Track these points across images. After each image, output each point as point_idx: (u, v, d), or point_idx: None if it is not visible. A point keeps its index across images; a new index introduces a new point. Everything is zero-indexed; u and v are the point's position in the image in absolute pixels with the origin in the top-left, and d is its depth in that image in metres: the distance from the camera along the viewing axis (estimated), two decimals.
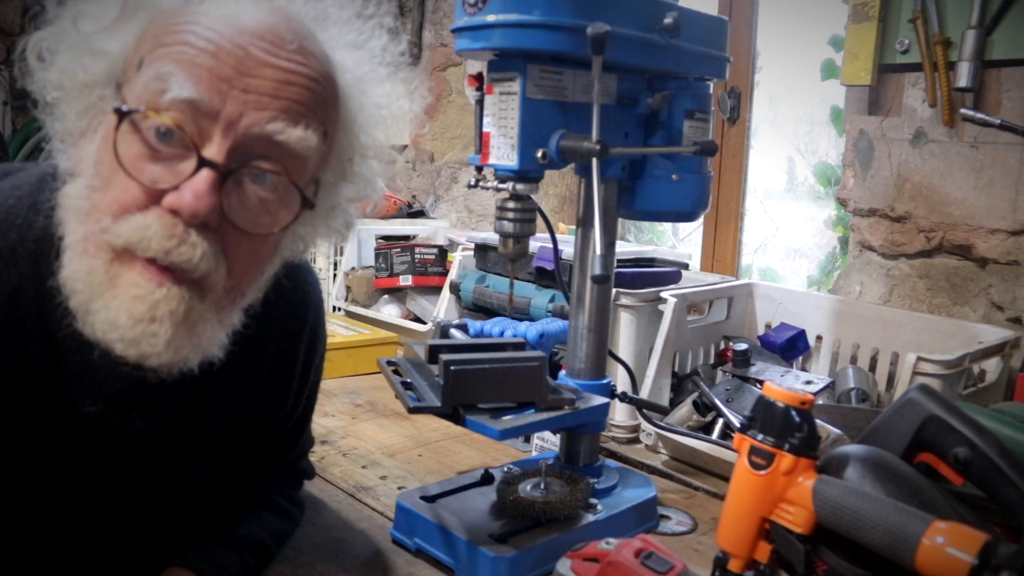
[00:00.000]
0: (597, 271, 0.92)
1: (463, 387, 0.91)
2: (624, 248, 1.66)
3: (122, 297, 0.64)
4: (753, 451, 0.82)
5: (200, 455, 0.84)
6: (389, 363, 1.05)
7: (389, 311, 2.12)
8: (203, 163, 0.64)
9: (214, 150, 0.65)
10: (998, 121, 1.43)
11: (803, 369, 1.52)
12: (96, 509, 0.79)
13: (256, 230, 0.69)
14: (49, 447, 0.74)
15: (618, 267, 1.36)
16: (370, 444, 1.37)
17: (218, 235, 0.66)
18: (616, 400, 1.14)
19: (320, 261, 2.25)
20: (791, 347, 1.49)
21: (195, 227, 0.64)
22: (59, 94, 0.69)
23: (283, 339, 0.89)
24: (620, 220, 1.35)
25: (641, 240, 2.34)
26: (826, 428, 1.14)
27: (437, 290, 2.00)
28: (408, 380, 0.98)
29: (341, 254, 2.26)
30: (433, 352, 0.98)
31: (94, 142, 0.68)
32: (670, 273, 1.58)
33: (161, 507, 0.83)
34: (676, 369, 1.46)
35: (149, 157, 0.65)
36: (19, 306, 0.69)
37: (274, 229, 0.70)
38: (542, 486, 1.02)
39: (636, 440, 1.39)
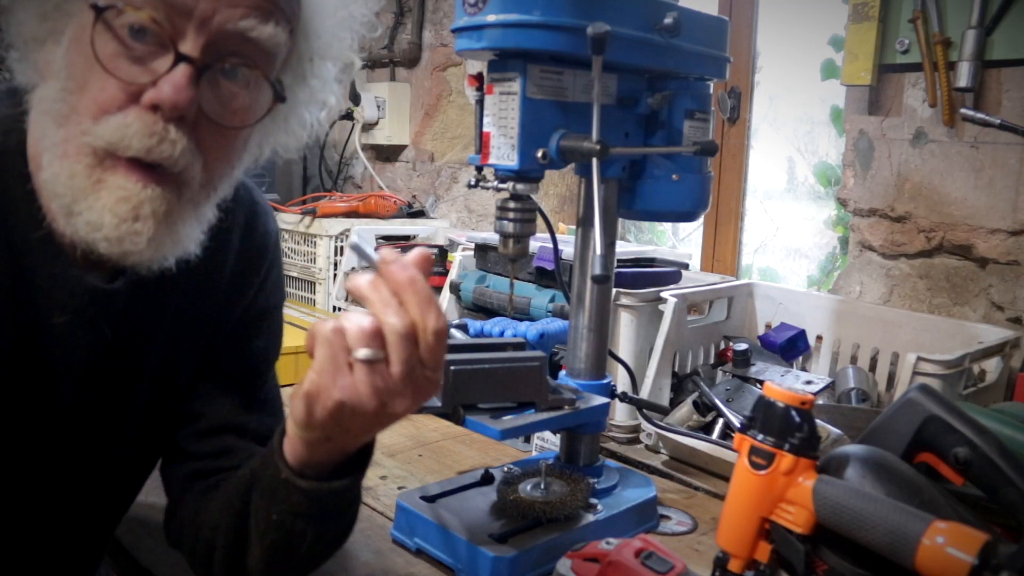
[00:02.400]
0: (597, 271, 0.92)
1: (463, 387, 0.91)
2: (624, 248, 1.66)
3: (106, 199, 0.66)
4: (753, 451, 0.82)
5: (165, 373, 0.84)
6: None
7: None
8: (180, 58, 0.65)
9: (189, 46, 0.66)
10: (998, 121, 1.43)
11: (803, 369, 1.52)
12: (65, 433, 0.78)
13: (231, 123, 0.71)
14: (19, 362, 0.73)
15: (618, 267, 1.36)
16: None
17: (194, 131, 0.68)
18: (616, 400, 1.14)
19: (320, 261, 2.26)
20: (791, 347, 1.49)
21: (173, 123, 0.66)
22: None
23: (243, 259, 0.89)
24: (620, 220, 1.35)
25: (641, 240, 2.34)
26: (826, 428, 1.14)
27: (437, 290, 2.00)
28: None
29: (341, 254, 2.26)
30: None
31: (60, 44, 0.68)
32: (670, 273, 1.58)
33: (128, 432, 0.83)
34: (676, 369, 1.46)
35: (124, 56, 0.66)
36: None
37: (248, 122, 0.72)
38: (542, 486, 1.02)
39: (636, 440, 1.39)
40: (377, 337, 0.60)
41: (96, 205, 0.66)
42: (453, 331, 1.11)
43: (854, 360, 1.47)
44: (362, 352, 0.60)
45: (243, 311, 0.90)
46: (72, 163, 0.66)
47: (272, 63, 0.72)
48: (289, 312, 2.05)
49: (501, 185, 0.97)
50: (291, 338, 1.72)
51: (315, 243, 2.29)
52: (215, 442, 0.86)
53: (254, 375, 0.93)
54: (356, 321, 0.61)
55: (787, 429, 0.81)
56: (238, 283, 0.89)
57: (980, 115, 1.45)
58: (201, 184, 0.71)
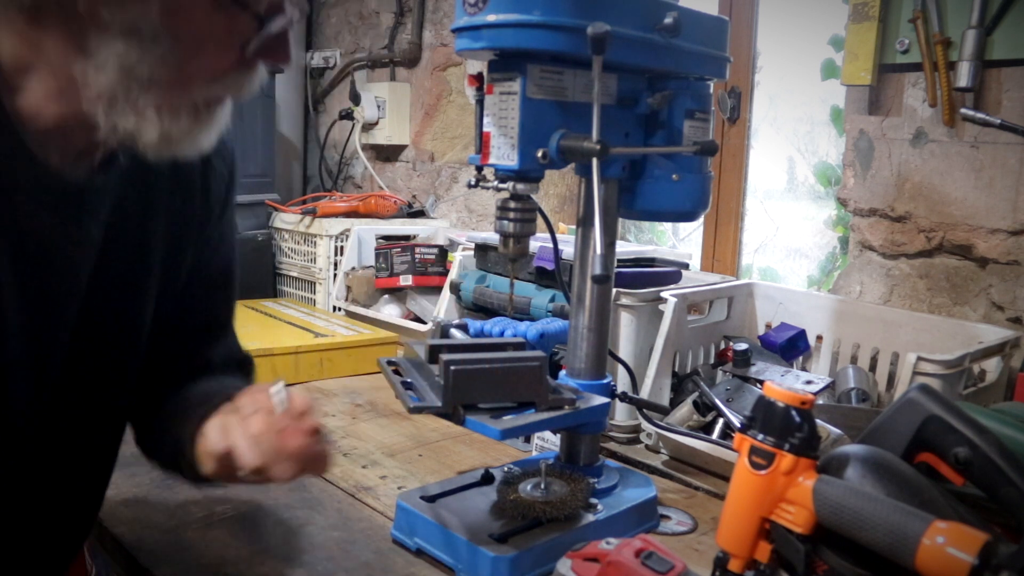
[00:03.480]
0: (597, 271, 0.92)
1: (463, 387, 0.91)
2: (624, 248, 1.66)
3: (183, 125, 0.74)
4: (753, 451, 0.82)
5: (143, 279, 0.88)
6: (389, 363, 1.05)
7: (389, 311, 2.12)
8: (289, 22, 0.75)
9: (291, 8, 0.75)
10: (998, 121, 1.43)
11: (803, 369, 1.52)
12: (59, 347, 0.81)
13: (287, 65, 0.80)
14: (19, 276, 0.75)
15: (618, 267, 1.36)
16: (370, 444, 1.37)
17: None
18: (616, 400, 1.15)
19: (320, 261, 2.26)
20: (791, 347, 1.49)
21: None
22: None
23: (211, 175, 0.94)
24: (620, 220, 1.35)
25: (641, 240, 2.34)
26: (826, 428, 1.14)
27: (437, 290, 2.00)
28: (408, 380, 0.98)
29: (341, 254, 2.26)
30: (433, 352, 0.98)
31: (149, 8, 0.70)
32: (670, 273, 1.58)
33: (114, 350, 0.87)
34: (676, 369, 1.46)
35: (235, 17, 0.73)
36: None
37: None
38: (542, 486, 1.02)
39: (636, 440, 1.39)
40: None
41: (174, 130, 0.74)
42: (453, 331, 1.11)
43: (854, 360, 1.47)
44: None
45: (219, 213, 0.96)
46: (184, 114, 0.74)
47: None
48: (289, 312, 2.05)
49: (501, 185, 0.97)
50: (291, 338, 1.73)
51: (315, 243, 2.29)
52: (187, 347, 0.97)
53: (228, 282, 1.01)
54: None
55: (787, 429, 0.81)
56: (216, 189, 0.95)
57: (980, 115, 1.45)
58: None
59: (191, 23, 0.71)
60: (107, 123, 0.72)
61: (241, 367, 1.03)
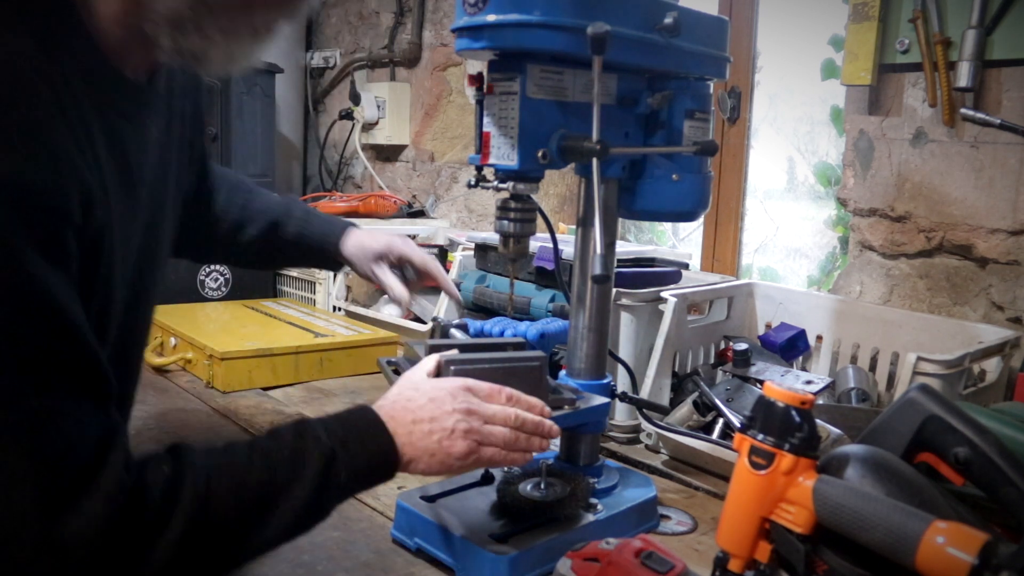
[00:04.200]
0: (597, 271, 0.92)
1: None
2: (624, 248, 1.66)
3: (244, 47, 0.79)
4: (753, 451, 0.82)
5: (175, 164, 0.95)
6: (389, 363, 1.05)
7: (389, 311, 2.12)
8: None
9: None
10: (998, 121, 1.44)
11: (803, 369, 1.52)
12: (140, 222, 0.86)
13: None
14: (109, 159, 0.77)
15: (618, 267, 1.37)
16: None
17: None
18: (616, 400, 1.14)
19: None
20: (791, 347, 1.49)
21: None
22: None
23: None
24: (620, 220, 1.35)
25: (641, 240, 2.34)
26: (826, 428, 1.14)
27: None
28: None
29: None
30: (434, 352, 0.98)
31: None
32: (670, 273, 1.58)
33: (165, 223, 0.95)
34: (676, 369, 1.46)
35: None
36: (52, 39, 0.70)
37: None
38: (542, 486, 1.02)
39: (636, 440, 1.39)
40: None
41: (236, 52, 0.78)
42: (453, 331, 1.11)
43: (854, 360, 1.47)
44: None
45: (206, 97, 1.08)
46: (231, 38, 0.76)
47: None
48: (289, 312, 2.05)
49: (501, 185, 0.97)
50: (291, 338, 1.73)
51: None
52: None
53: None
54: None
55: (787, 429, 0.81)
56: (200, 85, 1.03)
57: (980, 115, 1.45)
58: None
59: None
60: (171, 44, 0.75)
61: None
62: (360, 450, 0.79)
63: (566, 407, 0.99)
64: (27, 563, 0.60)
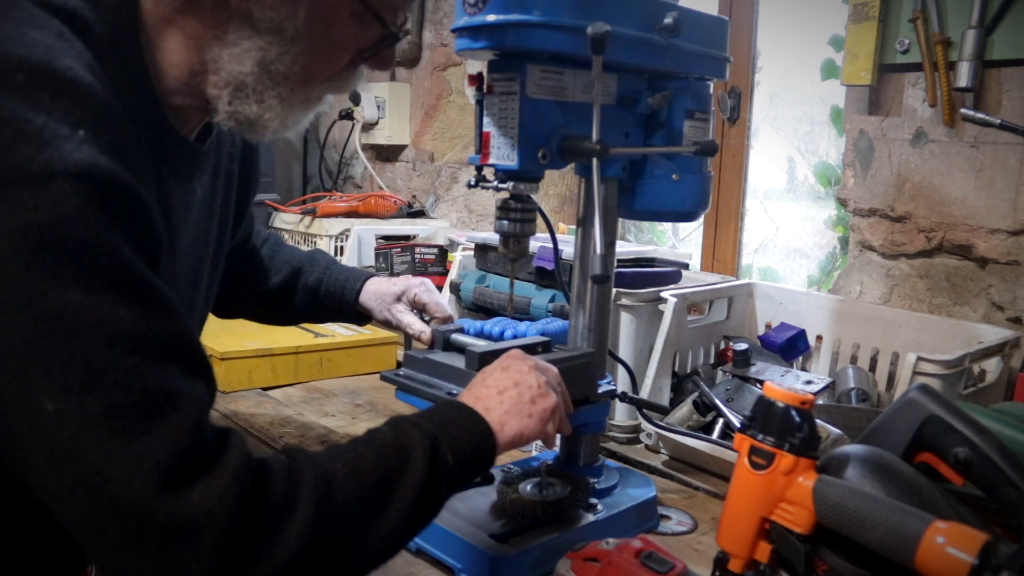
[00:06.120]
0: (597, 271, 0.92)
1: None
2: (624, 248, 1.66)
3: (298, 116, 0.83)
4: (753, 451, 0.82)
5: (216, 224, 1.00)
6: (395, 379, 1.03)
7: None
8: (395, 37, 0.83)
9: (399, 24, 0.83)
10: (998, 121, 1.43)
11: (803, 369, 1.52)
12: (177, 280, 0.90)
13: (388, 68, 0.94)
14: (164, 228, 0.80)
15: (618, 267, 1.37)
16: None
17: None
18: (616, 400, 1.14)
19: None
20: (791, 347, 1.49)
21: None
22: None
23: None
24: (620, 220, 1.35)
25: (641, 240, 2.34)
26: (826, 428, 1.14)
27: (437, 290, 2.00)
28: (453, 392, 0.96)
29: (341, 254, 2.26)
30: (483, 361, 0.96)
31: (298, 11, 0.76)
32: (670, 273, 1.58)
33: (202, 281, 0.98)
34: (676, 369, 1.46)
35: (358, 34, 0.80)
36: (119, 89, 0.71)
37: None
38: (542, 486, 1.02)
39: (636, 440, 1.39)
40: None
41: (289, 120, 0.82)
42: (457, 336, 1.09)
43: (854, 360, 1.47)
44: None
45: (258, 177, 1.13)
46: (297, 107, 0.81)
47: None
48: None
49: (501, 185, 0.97)
50: (291, 338, 1.73)
51: (315, 243, 2.28)
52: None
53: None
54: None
55: (787, 429, 0.81)
56: (251, 147, 1.07)
57: (980, 115, 1.45)
58: None
59: (330, 29, 0.78)
60: (228, 108, 0.78)
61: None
62: (459, 433, 0.78)
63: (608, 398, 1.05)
64: (159, 544, 0.58)
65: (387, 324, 1.25)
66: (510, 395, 0.84)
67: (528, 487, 1.02)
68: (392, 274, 2.11)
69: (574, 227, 1.22)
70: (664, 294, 1.42)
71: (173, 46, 0.77)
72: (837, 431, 1.15)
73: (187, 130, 0.84)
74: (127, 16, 0.74)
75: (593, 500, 1.04)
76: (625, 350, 1.41)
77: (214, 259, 1.02)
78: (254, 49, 0.76)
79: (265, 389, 1.62)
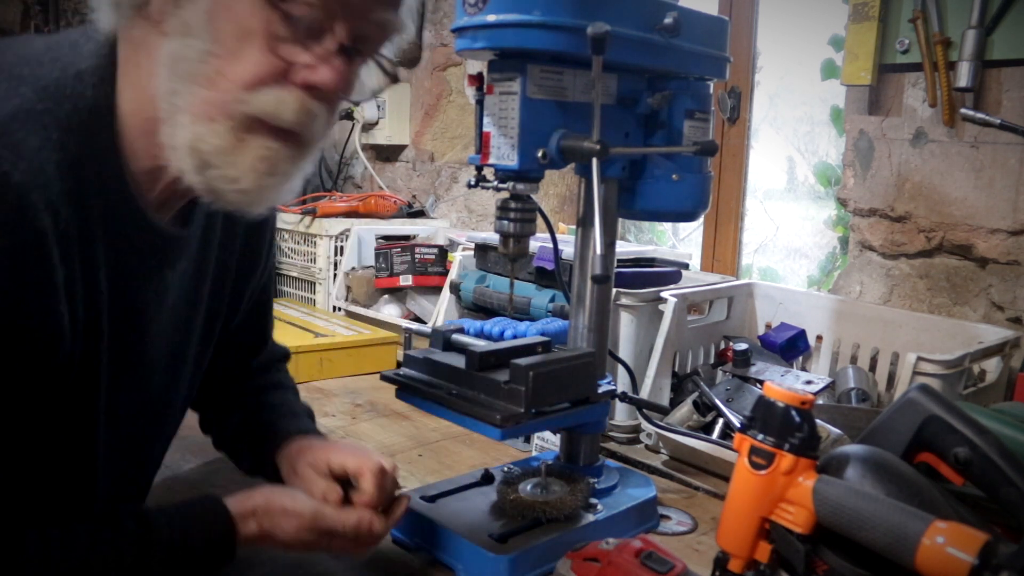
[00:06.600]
0: (597, 271, 0.92)
1: (540, 391, 0.91)
2: (624, 248, 1.66)
3: (249, 157, 0.73)
4: (753, 451, 0.82)
5: (195, 314, 0.93)
6: (395, 379, 1.03)
7: (389, 311, 2.12)
8: (340, 48, 0.73)
9: (343, 34, 0.73)
10: (998, 121, 1.43)
11: (803, 369, 1.52)
12: (156, 372, 0.87)
13: (357, 99, 0.80)
14: (113, 302, 0.78)
15: (618, 267, 1.36)
16: (370, 444, 1.37)
17: (329, 104, 0.76)
18: (616, 400, 1.14)
19: (320, 261, 2.26)
20: (791, 347, 1.49)
21: (322, 101, 0.74)
22: None
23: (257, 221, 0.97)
24: (620, 220, 1.35)
25: (641, 240, 2.34)
26: (826, 428, 1.14)
27: (437, 290, 2.00)
28: (453, 392, 0.97)
29: (341, 254, 2.26)
30: (482, 361, 0.97)
31: (199, 4, 0.71)
32: (670, 273, 1.58)
33: (173, 370, 0.92)
34: (676, 369, 1.46)
35: (281, 35, 0.71)
36: (82, 173, 0.71)
37: (366, 97, 0.82)
38: (542, 486, 1.02)
39: (636, 440, 1.39)
40: None
41: (238, 162, 0.73)
42: (458, 336, 1.10)
43: (854, 360, 1.47)
44: None
45: (266, 247, 1.04)
46: (219, 125, 0.72)
47: (387, 48, 0.81)
48: (289, 312, 2.05)
49: (501, 185, 0.97)
50: (291, 338, 1.73)
51: (315, 243, 2.28)
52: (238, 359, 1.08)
53: (267, 308, 1.12)
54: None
55: (787, 429, 0.81)
56: (254, 237, 1.00)
57: (980, 115, 1.45)
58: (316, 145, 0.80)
59: (232, 18, 0.70)
60: (199, 180, 0.74)
61: (280, 361, 1.17)
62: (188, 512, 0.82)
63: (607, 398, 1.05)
64: None
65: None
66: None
67: (528, 487, 1.02)
68: (392, 274, 2.11)
69: (574, 227, 1.22)
70: (664, 294, 1.42)
71: (129, 95, 0.74)
72: (837, 431, 1.15)
73: (164, 213, 0.81)
74: (106, 94, 0.73)
75: (593, 500, 1.04)
76: (625, 350, 1.41)
77: (200, 349, 0.96)
78: (166, 53, 0.72)
79: None
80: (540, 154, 0.95)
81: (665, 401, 1.40)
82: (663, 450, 1.34)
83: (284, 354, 1.18)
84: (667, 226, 2.35)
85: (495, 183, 0.98)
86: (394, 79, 0.82)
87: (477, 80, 0.98)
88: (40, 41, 0.76)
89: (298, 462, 0.95)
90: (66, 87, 0.71)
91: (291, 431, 1.00)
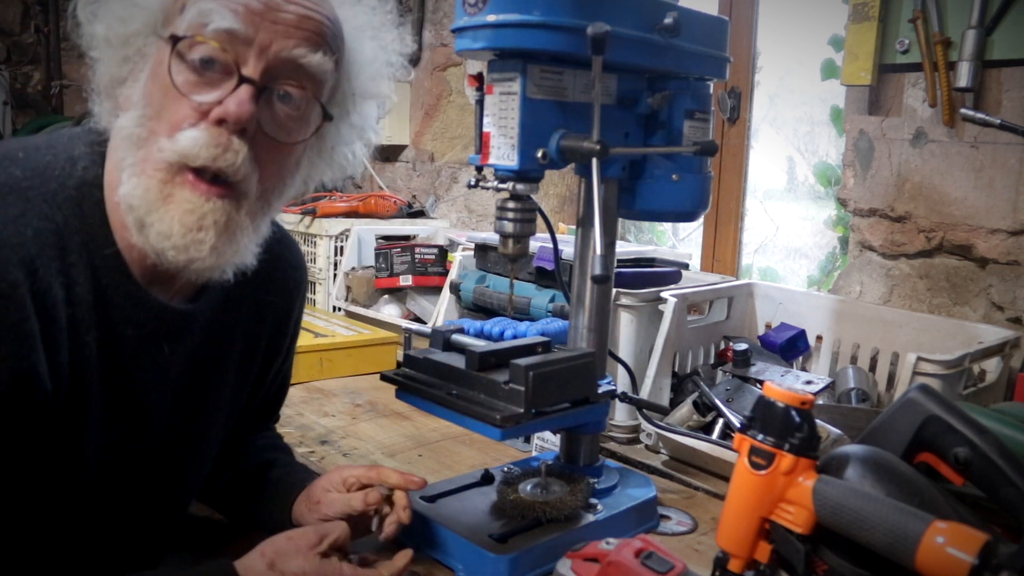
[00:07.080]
0: (597, 271, 0.92)
1: (540, 391, 0.91)
2: (624, 248, 1.66)
3: (174, 211, 0.75)
4: (753, 451, 0.82)
5: (215, 395, 0.94)
6: (395, 379, 1.03)
7: (389, 311, 2.12)
8: (243, 79, 0.76)
9: (250, 70, 0.76)
10: (998, 121, 1.43)
11: (803, 369, 1.52)
12: (160, 438, 0.88)
13: (286, 139, 0.80)
14: (105, 372, 0.80)
15: (618, 267, 1.36)
16: (370, 444, 1.37)
17: (253, 144, 0.77)
18: (616, 400, 1.14)
19: (320, 261, 2.26)
20: (791, 347, 1.49)
21: (236, 134, 0.75)
22: (103, 47, 0.79)
23: (284, 297, 1.01)
24: (620, 220, 1.35)
25: (641, 240, 2.34)
26: (826, 428, 1.14)
27: (437, 290, 2.00)
28: (453, 392, 0.96)
29: (341, 254, 2.26)
30: (482, 361, 0.97)
31: (139, 82, 0.78)
32: (670, 273, 1.58)
33: (183, 447, 0.92)
34: (676, 369, 1.46)
35: (195, 82, 0.76)
36: (65, 242, 0.75)
37: (299, 138, 0.82)
38: (542, 486, 1.02)
39: (636, 440, 1.39)
40: None
41: (166, 217, 0.75)
42: (458, 337, 1.10)
43: (854, 360, 1.47)
44: None
45: (291, 331, 1.05)
46: (147, 179, 0.75)
47: (321, 89, 0.82)
48: None
49: (501, 185, 0.97)
50: None
51: (315, 243, 2.28)
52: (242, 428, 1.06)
53: (287, 381, 1.11)
54: None
55: (787, 429, 0.81)
56: (286, 304, 1.02)
57: (980, 115, 1.45)
58: (257, 196, 0.80)
59: (158, 81, 0.76)
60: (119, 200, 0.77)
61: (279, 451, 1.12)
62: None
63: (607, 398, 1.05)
64: None
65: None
66: None
67: (528, 487, 1.02)
68: (392, 274, 2.11)
69: (574, 227, 1.22)
70: (664, 294, 1.42)
71: (113, 176, 0.79)
72: (837, 431, 1.15)
73: (166, 288, 0.83)
74: (94, 175, 0.79)
75: (593, 500, 1.04)
76: (625, 350, 1.41)
77: (226, 423, 0.98)
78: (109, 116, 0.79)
79: None
80: (540, 154, 0.95)
81: (665, 401, 1.40)
82: (663, 450, 1.34)
83: (283, 449, 1.15)
84: (667, 226, 2.35)
85: (495, 183, 0.98)
86: (327, 117, 0.84)
87: (477, 80, 0.98)
88: (44, 137, 0.83)
89: (313, 491, 0.97)
90: (55, 168, 0.77)
91: (305, 480, 1.01)
